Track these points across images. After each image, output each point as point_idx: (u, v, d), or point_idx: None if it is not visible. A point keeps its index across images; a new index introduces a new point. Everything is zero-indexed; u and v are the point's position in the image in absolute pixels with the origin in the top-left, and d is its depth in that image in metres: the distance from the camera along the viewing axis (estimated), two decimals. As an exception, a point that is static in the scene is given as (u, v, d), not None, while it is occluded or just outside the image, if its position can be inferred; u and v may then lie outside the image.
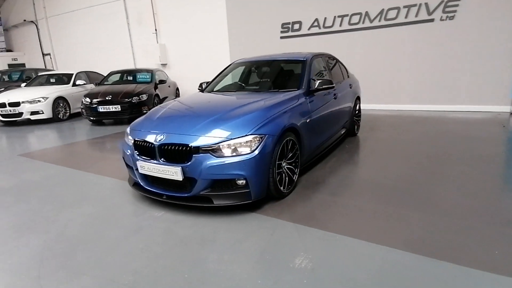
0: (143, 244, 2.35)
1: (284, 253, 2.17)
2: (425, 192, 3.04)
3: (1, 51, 16.07)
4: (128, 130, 3.22)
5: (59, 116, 8.51)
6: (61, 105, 8.61)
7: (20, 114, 7.93)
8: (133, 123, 3.34)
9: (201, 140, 2.66)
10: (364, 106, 7.97)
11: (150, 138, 2.84)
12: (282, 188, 2.94)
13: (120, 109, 7.32)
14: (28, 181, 3.82)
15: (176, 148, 2.69)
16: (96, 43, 13.58)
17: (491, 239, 2.23)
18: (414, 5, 6.99)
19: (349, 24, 7.84)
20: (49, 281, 2.00)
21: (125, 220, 2.74)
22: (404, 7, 7.12)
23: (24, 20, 15.35)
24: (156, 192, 2.91)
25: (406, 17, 7.17)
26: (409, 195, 3.01)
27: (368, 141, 5.08)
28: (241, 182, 2.67)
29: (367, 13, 7.58)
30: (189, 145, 2.64)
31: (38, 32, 15.24)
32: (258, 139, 2.68)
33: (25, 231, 2.63)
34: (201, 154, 2.62)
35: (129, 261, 2.15)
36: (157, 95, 8.22)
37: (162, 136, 2.79)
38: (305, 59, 3.97)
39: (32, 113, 8.02)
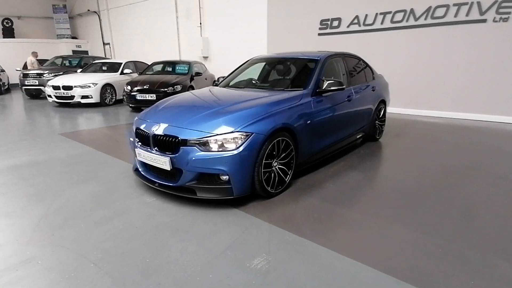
0: (123, 226, 2.52)
1: (247, 252, 2.18)
2: (424, 210, 2.82)
3: (67, 38, 17.82)
4: (135, 118, 3.43)
5: (106, 101, 9.22)
6: (108, 91, 9.32)
7: (72, 97, 8.75)
8: (141, 112, 3.54)
9: (190, 133, 2.75)
10: (399, 110, 7.59)
11: (148, 127, 3.00)
12: (269, 188, 2.93)
13: (155, 98, 7.71)
14: (55, 158, 4.25)
15: (167, 139, 2.81)
16: (149, 35, 14.43)
17: (475, 268, 2.02)
18: (465, 4, 6.35)
19: (392, 22, 7.37)
20: (34, 247, 2.25)
21: (118, 202, 2.95)
22: (454, 5, 6.50)
23: (88, 10, 16.82)
24: (150, 180, 3.08)
25: (455, 16, 6.55)
26: (406, 210, 2.82)
27: (388, 147, 4.80)
28: (224, 177, 2.72)
29: (412, 11, 7.06)
30: (178, 137, 2.75)
31: (100, 22, 16.62)
32: (244, 136, 2.69)
33: (33, 201, 2.96)
34: (188, 147, 2.71)
35: (105, 240, 2.33)
36: (191, 86, 8.52)
37: (157, 127, 2.93)
38: (318, 58, 3.86)
39: (83, 97, 8.79)
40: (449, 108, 7.00)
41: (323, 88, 3.51)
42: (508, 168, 3.90)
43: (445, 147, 4.82)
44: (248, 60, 4.63)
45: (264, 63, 4.53)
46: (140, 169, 3.21)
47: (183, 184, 2.80)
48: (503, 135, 5.60)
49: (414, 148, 4.80)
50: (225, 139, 2.68)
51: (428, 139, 5.34)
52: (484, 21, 6.21)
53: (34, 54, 12.33)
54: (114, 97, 9.50)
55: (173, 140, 2.77)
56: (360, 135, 4.59)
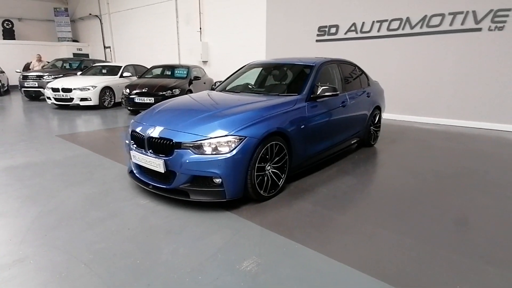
0: (115, 228, 2.54)
1: (237, 254, 2.20)
2: (415, 216, 2.85)
3: (68, 41, 17.92)
4: (131, 121, 3.47)
5: (105, 104, 9.26)
6: (107, 94, 9.35)
7: (71, 99, 8.79)
8: (138, 115, 3.57)
9: (184, 136, 2.78)
10: (395, 116, 7.65)
11: (143, 130, 3.04)
12: (262, 191, 2.96)
13: (153, 101, 7.75)
14: (51, 159, 4.28)
15: (162, 141, 2.84)
16: (149, 39, 14.52)
17: (462, 273, 2.04)
18: (461, 13, 6.43)
19: (388, 30, 7.46)
20: (27, 247, 2.27)
21: (112, 203, 2.97)
22: (450, 14, 6.59)
23: (90, 14, 16.95)
24: (145, 182, 3.10)
25: (451, 24, 6.64)
26: (397, 216, 2.85)
27: (382, 153, 4.84)
28: (217, 180, 2.75)
29: (408, 19, 7.15)
30: (172, 140, 2.78)
31: (101, 26, 16.73)
32: (237, 140, 2.73)
33: (28, 202, 2.98)
34: (182, 149, 2.75)
35: (97, 241, 2.35)
36: (190, 90, 8.58)
37: (152, 129, 2.96)
38: (313, 64, 3.92)
39: (82, 99, 8.83)
40: (444, 115, 7.06)
41: (318, 93, 3.55)
42: (501, 175, 3.94)
43: (439, 154, 4.86)
44: (245, 65, 4.68)
45: (260, 68, 4.59)
46: (134, 171, 3.24)
47: (177, 186, 2.83)
48: (497, 142, 5.64)
49: (408, 154, 4.84)
50: (218, 143, 2.72)
51: (422, 145, 5.39)
52: (479, 30, 6.30)
53: (38, 57, 12.37)
54: (113, 100, 9.53)
55: (168, 142, 2.80)
56: (355, 141, 4.63)
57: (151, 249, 2.26)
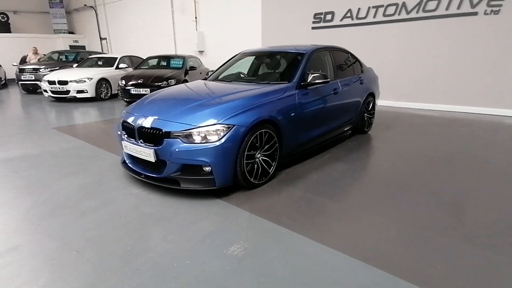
0: (107, 216, 2.60)
1: (225, 240, 2.26)
2: (404, 200, 2.90)
3: (64, 33, 17.78)
4: (123, 112, 3.49)
5: (101, 96, 9.27)
6: (104, 86, 9.35)
7: (68, 92, 8.79)
8: (129, 106, 3.60)
9: (174, 126, 2.81)
10: (392, 103, 7.63)
11: (133, 120, 3.07)
12: (252, 179, 3.00)
13: (149, 92, 7.77)
14: (47, 151, 4.32)
15: (151, 131, 2.88)
16: (145, 30, 14.39)
17: (444, 254, 2.10)
18: (457, -4, 6.36)
19: (384, 15, 7.38)
20: (21, 235, 2.33)
21: (105, 193, 3.02)
22: (446, -2, 6.51)
23: (85, 5, 16.77)
24: (137, 171, 3.15)
25: (447, 9, 6.57)
26: (386, 200, 2.90)
27: (375, 140, 4.86)
28: (207, 168, 2.79)
29: (404, 4, 7.07)
30: (162, 130, 2.81)
31: (96, 17, 16.58)
32: (226, 128, 2.76)
33: (23, 193, 3.03)
34: (172, 139, 2.78)
35: (89, 229, 2.41)
36: (185, 80, 8.56)
37: (143, 120, 2.99)
38: (304, 52, 3.91)
39: (78, 91, 8.83)
40: (440, 101, 7.05)
41: (308, 81, 3.56)
42: (495, 159, 3.96)
43: (433, 139, 4.88)
44: (237, 54, 4.67)
45: (253, 57, 4.58)
46: (127, 161, 3.28)
47: (168, 175, 2.87)
48: (492, 127, 5.65)
49: (402, 140, 4.87)
50: (207, 131, 2.75)
51: (417, 131, 5.41)
52: (475, 14, 6.23)
53: (34, 49, 12.32)
54: (110, 92, 9.53)
55: (157, 132, 2.84)
56: (348, 128, 4.65)
57: (141, 236, 2.32)
